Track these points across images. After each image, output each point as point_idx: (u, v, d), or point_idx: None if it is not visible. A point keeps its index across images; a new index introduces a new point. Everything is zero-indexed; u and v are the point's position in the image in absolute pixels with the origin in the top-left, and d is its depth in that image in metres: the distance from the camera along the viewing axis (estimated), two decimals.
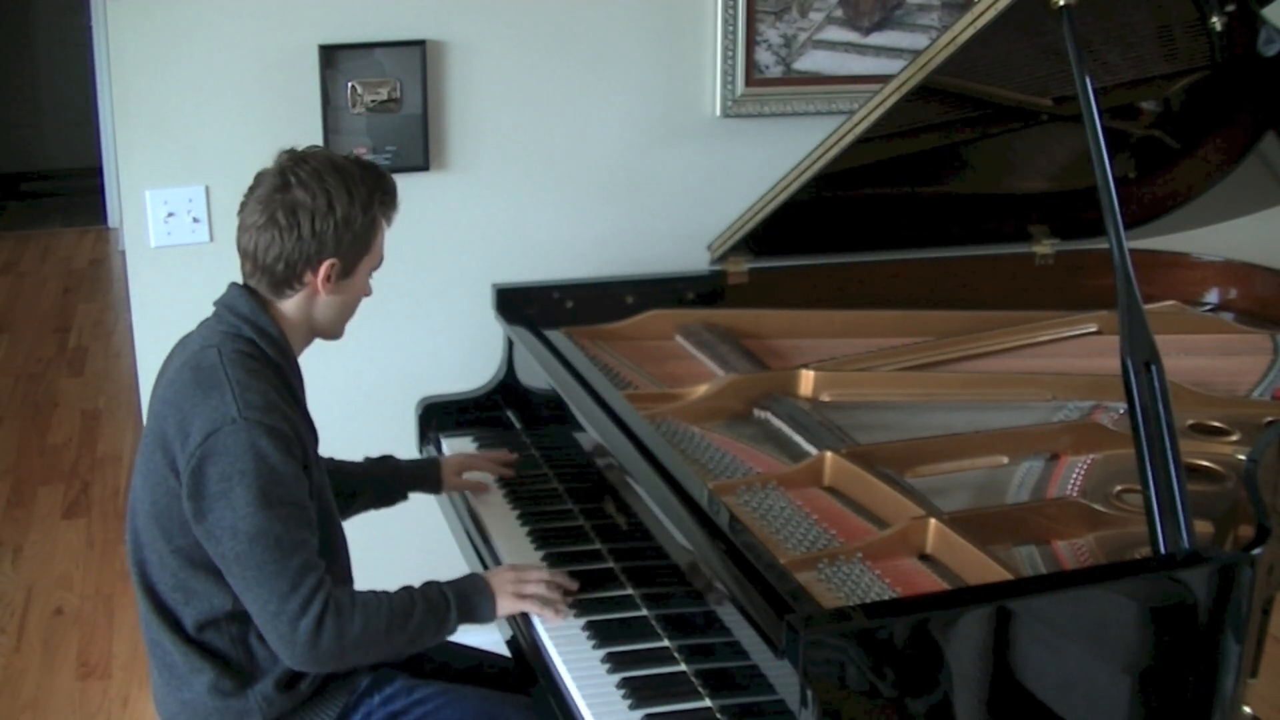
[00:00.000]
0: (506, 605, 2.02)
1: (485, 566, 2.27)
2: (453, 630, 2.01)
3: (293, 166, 1.96)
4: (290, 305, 2.00)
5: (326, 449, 2.18)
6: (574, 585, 2.06)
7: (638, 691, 1.83)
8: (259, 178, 1.99)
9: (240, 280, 2.03)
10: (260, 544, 1.84)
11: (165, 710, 2.04)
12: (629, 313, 2.75)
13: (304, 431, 1.99)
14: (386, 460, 2.43)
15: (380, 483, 2.38)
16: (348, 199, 1.94)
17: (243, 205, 1.99)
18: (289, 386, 2.01)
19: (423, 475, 2.42)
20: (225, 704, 1.96)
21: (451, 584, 2.03)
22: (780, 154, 2.78)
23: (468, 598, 2.01)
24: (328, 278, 1.97)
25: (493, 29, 3.02)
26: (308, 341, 2.07)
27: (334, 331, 2.08)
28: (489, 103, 3.05)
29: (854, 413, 2.36)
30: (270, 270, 1.97)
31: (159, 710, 2.06)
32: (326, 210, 1.93)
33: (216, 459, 1.85)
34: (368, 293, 2.08)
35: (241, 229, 1.98)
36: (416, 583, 2.02)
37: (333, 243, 1.95)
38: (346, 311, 2.06)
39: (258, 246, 1.96)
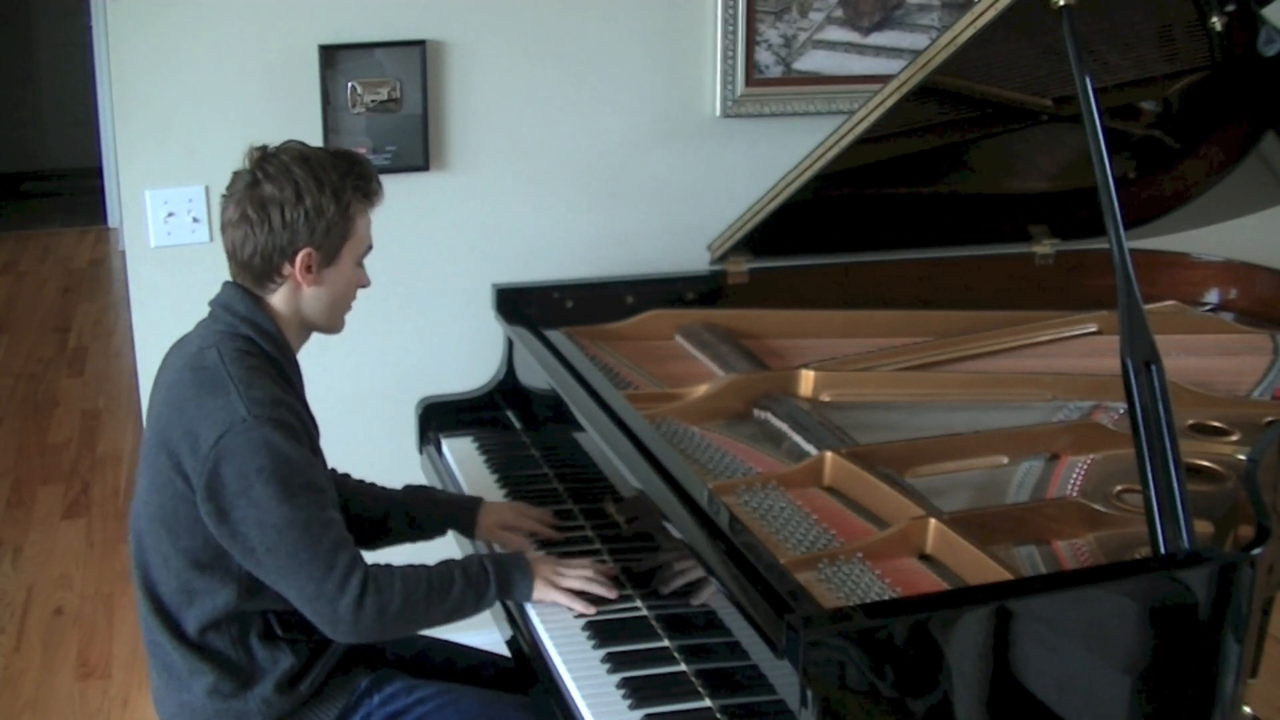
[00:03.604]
0: (543, 590, 2.03)
1: None
2: (490, 604, 2.02)
3: (262, 162, 1.96)
4: (278, 299, 2.00)
5: (326, 451, 2.18)
6: (612, 595, 2.04)
7: (638, 691, 1.83)
8: (234, 176, 1.99)
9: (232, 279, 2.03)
10: (290, 533, 1.85)
11: (164, 711, 2.04)
12: (629, 313, 2.75)
13: (308, 423, 2.01)
14: (424, 490, 2.39)
15: (413, 512, 2.30)
16: (316, 188, 1.93)
17: (223, 206, 2.00)
18: (289, 381, 2.01)
19: (459, 515, 2.30)
20: (225, 705, 1.97)
21: (492, 558, 2.04)
22: (780, 154, 2.79)
23: (507, 574, 2.02)
24: (307, 268, 1.96)
25: (493, 29, 3.02)
26: (304, 336, 2.07)
27: (329, 324, 2.05)
28: (489, 103, 3.05)
29: (854, 413, 2.36)
30: (249, 265, 1.98)
31: (158, 711, 2.06)
32: (295, 201, 1.93)
33: (231, 460, 1.85)
34: (364, 283, 2.06)
35: (221, 228, 2.00)
36: None
37: (305, 232, 1.94)
38: (338, 302, 2.03)
39: (234, 243, 1.98)
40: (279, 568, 1.87)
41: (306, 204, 1.93)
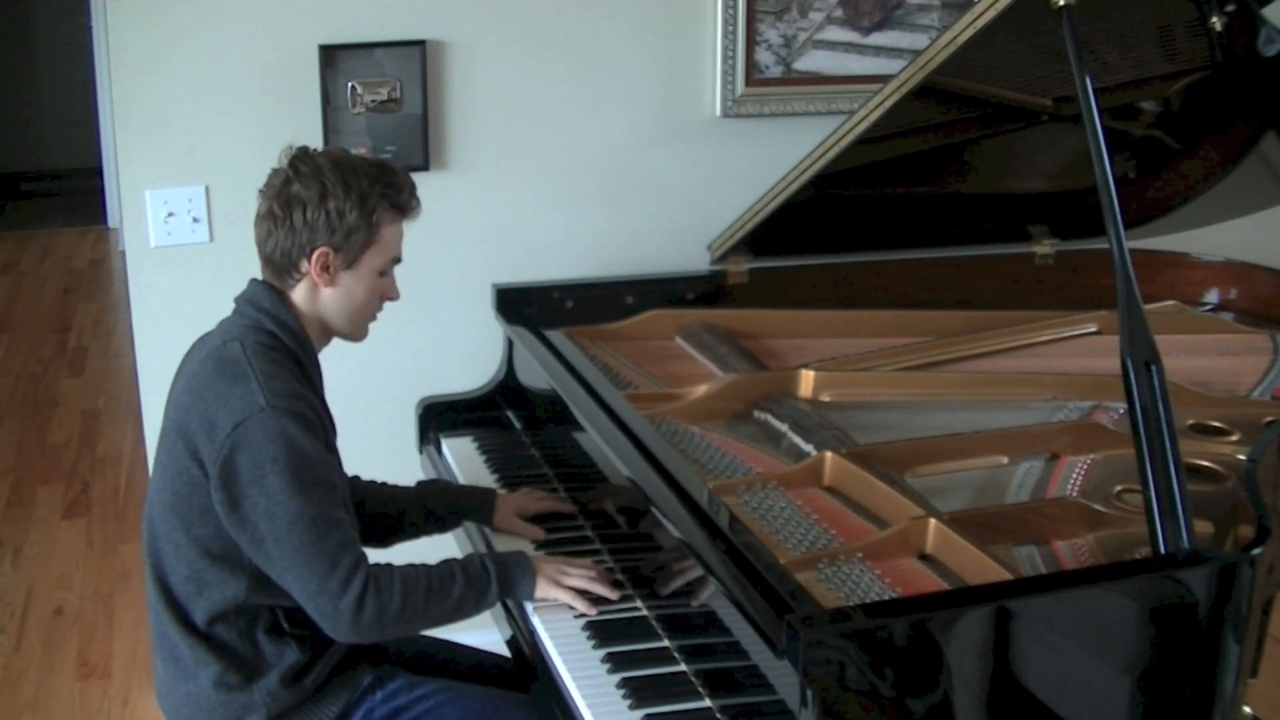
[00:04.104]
0: (546, 589, 2.03)
1: None
2: (492, 603, 2.03)
3: (297, 161, 2.00)
4: (299, 297, 2.03)
5: None
6: (614, 596, 2.04)
7: (638, 691, 1.83)
8: (272, 173, 2.03)
9: (258, 276, 2.06)
10: (298, 526, 1.86)
11: (168, 703, 2.04)
12: (629, 313, 2.75)
13: (326, 421, 2.02)
14: (436, 484, 2.41)
15: (428, 506, 2.32)
16: (343, 192, 1.96)
17: (258, 200, 2.03)
18: (309, 379, 2.03)
19: (475, 504, 2.33)
20: (230, 698, 1.97)
21: (493, 556, 2.05)
22: (780, 154, 2.78)
23: (509, 572, 2.02)
24: (324, 267, 1.99)
25: (493, 29, 3.02)
26: (325, 338, 2.09)
27: (349, 330, 2.07)
28: (489, 103, 3.05)
29: (854, 413, 2.36)
30: (270, 260, 2.01)
31: (161, 703, 2.06)
32: (319, 201, 1.96)
33: (247, 448, 1.87)
34: (391, 295, 2.09)
35: (253, 223, 2.04)
36: None
37: (324, 232, 1.97)
38: (358, 307, 2.05)
39: (260, 237, 2.02)
40: (284, 561, 1.88)
41: (329, 205, 1.96)
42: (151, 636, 2.06)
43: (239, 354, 1.95)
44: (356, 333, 2.09)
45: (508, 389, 2.75)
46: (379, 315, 2.11)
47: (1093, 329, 2.78)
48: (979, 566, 1.77)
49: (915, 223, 2.88)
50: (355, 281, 2.02)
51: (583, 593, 2.03)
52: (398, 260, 2.07)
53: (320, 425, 1.96)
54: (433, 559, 2.02)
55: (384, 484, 2.34)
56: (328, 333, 2.08)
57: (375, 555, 2.08)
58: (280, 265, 2.00)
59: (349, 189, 1.96)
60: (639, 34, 3.12)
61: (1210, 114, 2.72)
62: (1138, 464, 1.76)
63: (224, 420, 1.89)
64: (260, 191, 2.02)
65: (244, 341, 1.97)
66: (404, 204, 2.04)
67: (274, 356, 1.97)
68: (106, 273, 7.32)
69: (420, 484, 2.39)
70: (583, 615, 2.01)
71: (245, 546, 1.91)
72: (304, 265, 1.99)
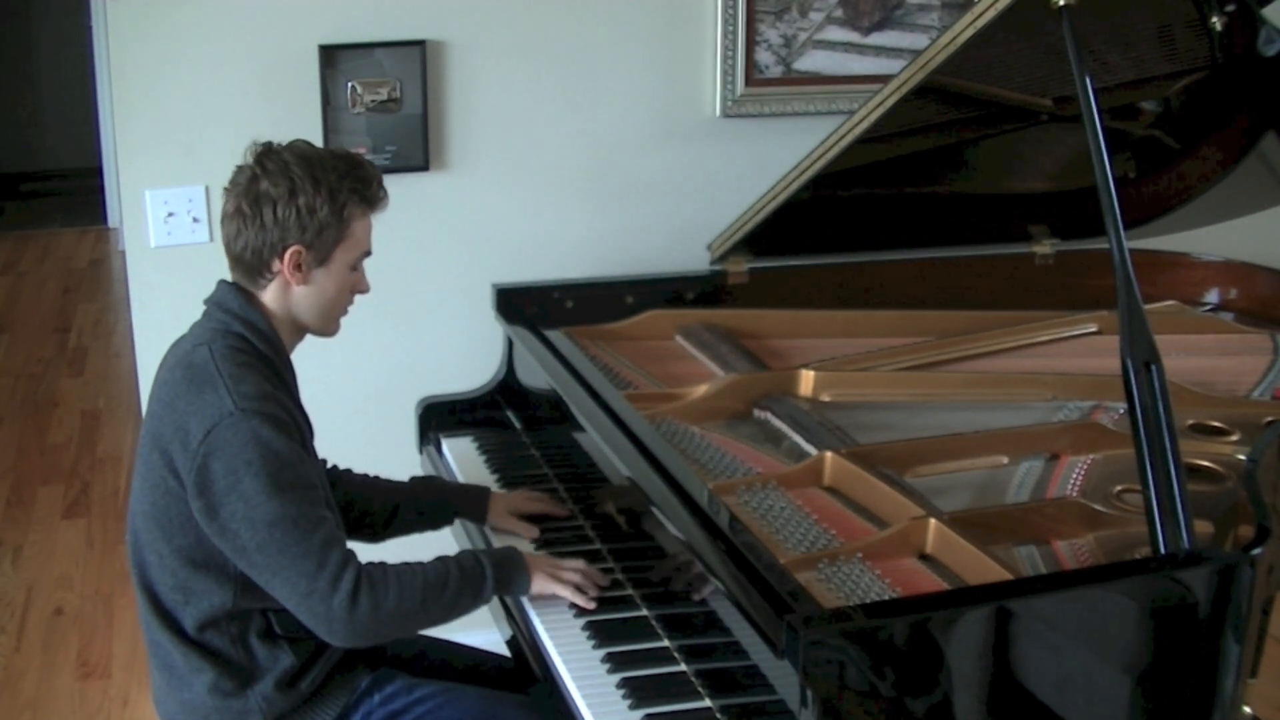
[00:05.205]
0: (542, 584, 2.03)
1: None
2: (488, 600, 2.02)
3: (262, 158, 1.97)
4: (269, 296, 2.00)
5: (327, 450, 2.19)
6: (605, 581, 2.06)
7: (638, 691, 1.83)
8: (236, 170, 2.00)
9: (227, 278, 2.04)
10: (280, 529, 1.84)
11: (165, 710, 2.04)
12: (629, 313, 2.75)
13: (300, 421, 2.01)
14: (432, 480, 2.41)
15: (422, 503, 2.32)
16: (312, 187, 1.93)
17: (224, 198, 2.01)
18: (281, 380, 2.01)
19: (469, 502, 2.33)
20: (225, 704, 1.97)
21: (488, 553, 2.04)
22: (780, 154, 2.78)
23: (504, 569, 2.02)
24: (296, 266, 1.96)
25: (493, 29, 3.02)
26: (297, 336, 2.07)
27: (321, 326, 2.05)
28: (489, 103, 3.05)
29: (854, 413, 2.36)
30: (240, 260, 1.99)
31: (159, 710, 2.06)
32: (289, 198, 1.93)
33: (220, 454, 1.85)
34: (362, 288, 2.06)
35: (220, 221, 2.02)
36: None
37: (295, 230, 1.94)
38: (330, 304, 2.03)
39: (229, 236, 1.99)
40: (269, 565, 1.86)
41: (299, 202, 1.93)
42: (145, 645, 2.05)
43: (207, 359, 1.93)
44: (328, 328, 2.07)
45: (508, 389, 2.75)
46: (364, 307, 2.10)
47: (1093, 329, 2.78)
48: (979, 566, 1.77)
49: (915, 223, 2.88)
50: (327, 278, 2.00)
51: (579, 588, 2.03)
52: (368, 253, 2.05)
53: (294, 425, 1.94)
54: (427, 557, 2.02)
55: (377, 478, 2.33)
56: (299, 330, 2.05)
57: (368, 551, 2.08)
58: (251, 265, 1.98)
59: (318, 184, 1.94)
60: (639, 34, 3.12)
61: (1210, 114, 2.72)
62: (1138, 464, 1.76)
63: (195, 428, 1.87)
64: (226, 189, 2.00)
65: (212, 346, 1.95)
66: (373, 197, 2.01)
67: (242, 359, 1.94)
68: (106, 273, 7.32)
69: (414, 480, 2.38)
70: (582, 614, 2.01)
71: (230, 554, 1.89)
72: (276, 264, 1.96)
